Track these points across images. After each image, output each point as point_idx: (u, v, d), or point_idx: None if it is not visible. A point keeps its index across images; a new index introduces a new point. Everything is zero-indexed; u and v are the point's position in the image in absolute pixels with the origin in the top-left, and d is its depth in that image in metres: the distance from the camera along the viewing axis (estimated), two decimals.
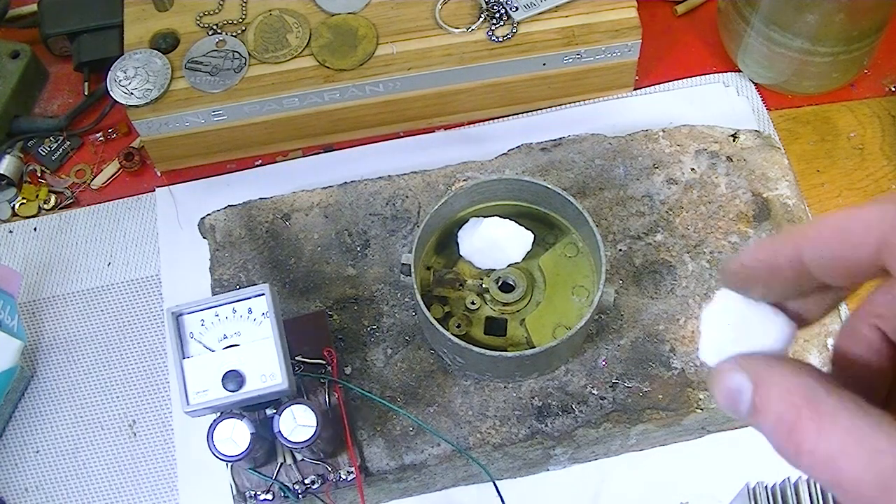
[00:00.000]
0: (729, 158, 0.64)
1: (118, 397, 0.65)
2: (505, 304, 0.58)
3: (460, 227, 0.59)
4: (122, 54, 0.68)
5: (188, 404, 0.49)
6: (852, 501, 0.24)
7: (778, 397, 0.26)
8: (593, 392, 0.57)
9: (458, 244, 0.60)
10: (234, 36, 0.69)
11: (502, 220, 0.58)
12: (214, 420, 0.50)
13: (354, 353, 0.59)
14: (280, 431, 0.50)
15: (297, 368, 0.56)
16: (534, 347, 0.56)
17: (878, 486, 0.23)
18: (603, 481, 0.61)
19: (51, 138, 0.74)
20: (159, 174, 0.73)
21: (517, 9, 0.68)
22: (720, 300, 0.30)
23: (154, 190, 0.72)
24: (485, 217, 0.59)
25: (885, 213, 0.25)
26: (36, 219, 0.72)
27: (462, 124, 0.74)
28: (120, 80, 0.67)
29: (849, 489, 0.24)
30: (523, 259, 0.58)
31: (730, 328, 0.29)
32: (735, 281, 0.30)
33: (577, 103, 0.73)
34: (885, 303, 0.28)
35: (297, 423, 0.50)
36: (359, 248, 0.62)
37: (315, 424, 0.50)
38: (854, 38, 0.67)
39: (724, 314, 0.30)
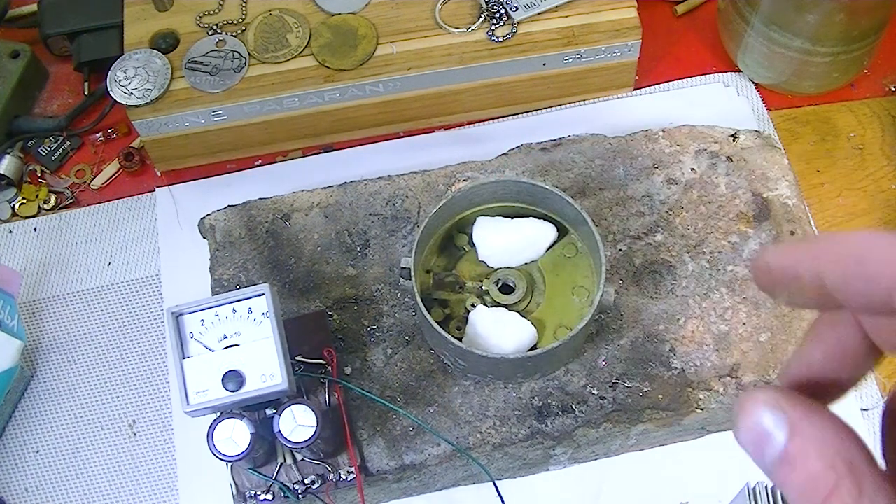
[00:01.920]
0: (729, 158, 0.64)
1: (118, 397, 0.65)
2: (505, 306, 0.58)
3: (473, 226, 0.59)
4: (122, 54, 0.68)
5: (188, 404, 0.49)
6: None
7: (817, 455, 0.23)
8: (593, 392, 0.57)
9: (457, 247, 0.60)
10: (234, 36, 0.69)
11: (520, 219, 0.58)
12: (214, 420, 0.50)
13: (354, 353, 0.59)
14: (280, 431, 0.50)
15: (297, 368, 0.56)
16: (535, 349, 0.56)
17: None
18: (603, 481, 0.61)
19: (51, 138, 0.74)
20: (159, 174, 0.73)
21: (517, 9, 0.68)
22: None
23: (154, 190, 0.72)
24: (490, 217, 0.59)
25: None
26: (36, 219, 0.72)
27: (462, 124, 0.74)
28: (120, 80, 0.67)
29: None
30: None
31: None
32: (763, 280, 0.27)
33: (577, 103, 0.73)
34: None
35: (297, 423, 0.50)
36: (359, 248, 0.62)
37: (315, 424, 0.50)
38: (854, 38, 0.67)
39: None
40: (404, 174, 0.65)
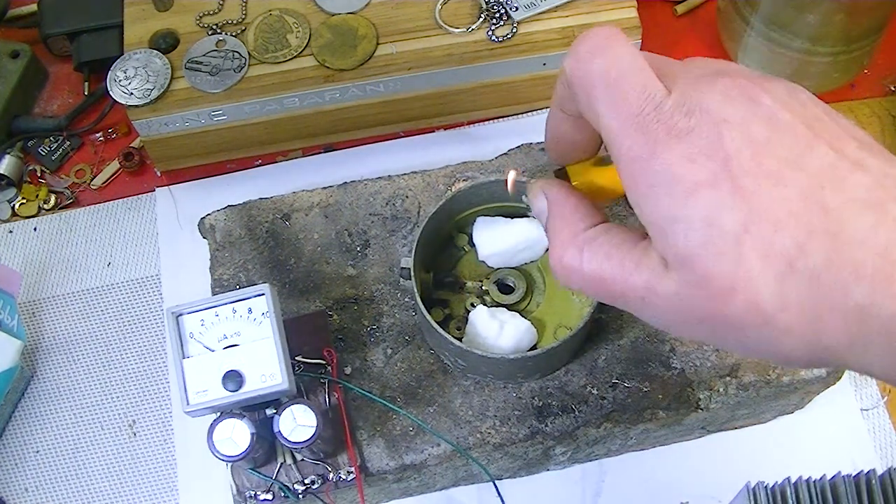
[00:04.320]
0: None
1: (118, 397, 0.65)
2: (505, 306, 0.58)
3: (473, 227, 0.59)
4: (122, 54, 0.68)
5: (188, 404, 0.49)
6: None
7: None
8: (593, 392, 0.57)
9: (457, 247, 0.60)
10: (234, 36, 0.69)
11: (519, 220, 0.58)
12: (214, 420, 0.50)
13: (354, 353, 0.59)
14: (280, 431, 0.50)
15: (297, 368, 0.56)
16: (535, 349, 0.56)
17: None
18: (603, 481, 0.61)
19: (51, 138, 0.74)
20: (159, 174, 0.73)
21: (517, 9, 0.68)
22: None
23: (154, 190, 0.72)
24: (489, 217, 0.59)
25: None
26: (36, 219, 0.72)
27: (462, 124, 0.74)
28: (120, 80, 0.67)
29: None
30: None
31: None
32: (558, 157, 0.39)
33: None
34: (563, 94, 0.36)
35: (297, 423, 0.50)
36: (359, 248, 0.62)
37: (315, 424, 0.50)
38: (854, 38, 0.67)
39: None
40: (404, 174, 0.65)
